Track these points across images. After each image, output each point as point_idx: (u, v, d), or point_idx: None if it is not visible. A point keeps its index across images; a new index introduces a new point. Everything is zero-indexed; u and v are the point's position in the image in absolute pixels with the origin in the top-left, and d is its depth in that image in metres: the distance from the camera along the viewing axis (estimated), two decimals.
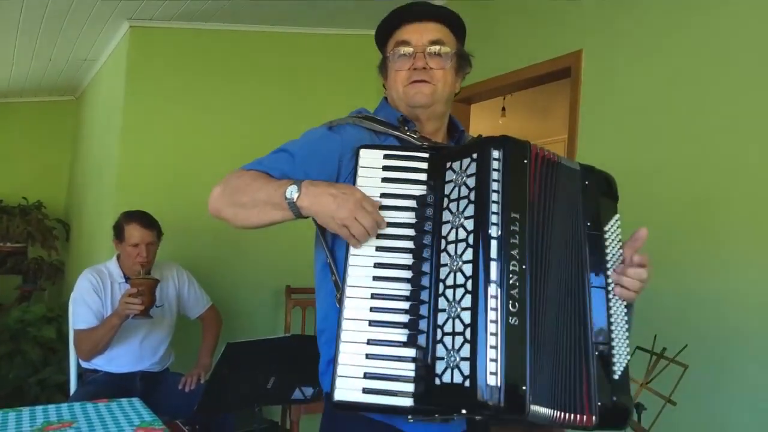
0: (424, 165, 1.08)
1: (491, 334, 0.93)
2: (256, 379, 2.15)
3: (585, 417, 0.99)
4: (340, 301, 1.04)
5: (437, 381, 0.96)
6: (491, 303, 0.94)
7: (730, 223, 2.05)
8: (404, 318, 1.01)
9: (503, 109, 4.95)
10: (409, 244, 1.04)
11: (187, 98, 3.46)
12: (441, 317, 0.98)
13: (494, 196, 0.98)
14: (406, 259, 1.04)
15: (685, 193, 2.19)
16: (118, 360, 2.48)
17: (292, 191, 1.04)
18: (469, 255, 0.97)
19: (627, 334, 1.08)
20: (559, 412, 0.97)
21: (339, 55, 3.81)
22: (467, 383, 0.92)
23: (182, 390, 2.48)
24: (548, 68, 2.78)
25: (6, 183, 4.88)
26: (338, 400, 1.00)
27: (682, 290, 2.16)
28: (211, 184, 3.48)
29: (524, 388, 0.93)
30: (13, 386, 3.18)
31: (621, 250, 1.11)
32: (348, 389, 0.99)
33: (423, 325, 1.00)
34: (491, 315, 0.93)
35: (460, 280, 0.97)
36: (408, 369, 0.99)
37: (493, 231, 0.97)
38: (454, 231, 1.01)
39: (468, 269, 0.97)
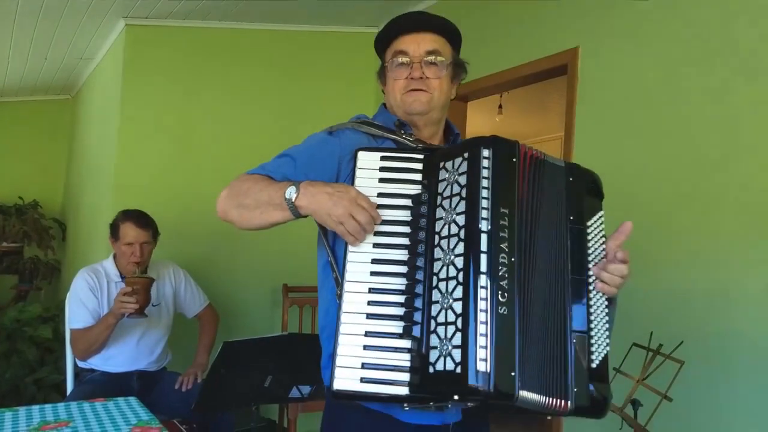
0: (419, 166, 1.13)
1: (481, 322, 0.97)
2: (253, 378, 2.15)
3: (562, 402, 1.04)
4: (340, 297, 1.09)
5: (431, 369, 1.00)
6: (481, 293, 0.99)
7: (725, 219, 2.05)
8: (400, 311, 1.06)
9: (500, 106, 4.95)
10: (405, 241, 1.09)
11: (183, 97, 3.45)
12: (434, 309, 1.03)
13: (484, 193, 1.03)
14: (402, 254, 1.09)
15: (681, 190, 2.19)
16: (114, 359, 2.47)
17: (291, 192, 1.09)
18: (460, 249, 1.02)
19: (607, 326, 1.12)
20: (545, 398, 1.01)
21: (337, 52, 3.80)
22: (459, 370, 0.96)
23: (179, 389, 2.48)
24: (545, 66, 2.78)
25: (2, 182, 4.87)
26: (337, 389, 1.04)
27: (678, 286, 2.17)
28: (208, 183, 3.54)
29: (513, 374, 0.97)
30: (9, 386, 3.17)
31: (604, 246, 1.16)
32: (346, 379, 1.04)
33: (418, 317, 1.05)
34: (481, 305, 0.98)
35: (452, 272, 1.02)
36: (404, 359, 1.04)
37: (483, 225, 1.02)
38: (446, 227, 1.05)
39: (459, 262, 1.02)
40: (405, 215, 1.11)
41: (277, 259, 3.49)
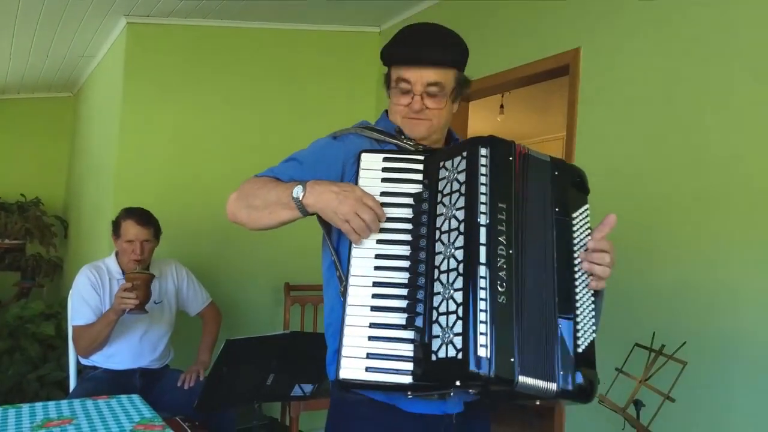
0: (420, 166, 1.18)
1: (481, 311, 1.01)
2: (255, 376, 2.16)
3: (550, 385, 1.06)
4: (344, 293, 1.13)
5: (433, 357, 1.03)
6: (481, 283, 1.03)
7: (728, 220, 2.05)
8: (403, 303, 1.10)
9: (501, 106, 4.95)
10: (407, 237, 1.14)
11: (185, 95, 3.45)
12: (436, 300, 1.07)
13: (482, 189, 1.08)
14: (405, 250, 1.14)
15: (683, 190, 2.19)
16: (117, 357, 2.48)
17: (298, 191, 1.14)
18: (460, 242, 1.07)
19: (593, 313, 1.15)
20: (542, 383, 1.04)
21: (339, 52, 3.80)
22: (460, 356, 0.99)
23: (182, 387, 2.48)
24: (547, 66, 2.78)
25: (4, 180, 4.87)
26: (343, 379, 1.07)
27: (681, 287, 2.17)
28: (210, 180, 3.53)
29: (512, 360, 1.01)
30: (12, 383, 3.17)
31: (589, 237, 1.18)
32: (352, 368, 1.07)
33: (420, 308, 1.08)
34: (481, 294, 1.02)
35: (453, 264, 1.06)
36: (407, 349, 1.07)
37: (482, 219, 1.06)
38: (447, 222, 1.10)
39: (459, 254, 1.06)
40: (407, 213, 1.15)
41: (279, 258, 3.50)
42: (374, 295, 1.11)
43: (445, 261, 1.07)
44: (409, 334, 1.08)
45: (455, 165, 1.12)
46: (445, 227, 1.10)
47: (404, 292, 1.11)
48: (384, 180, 1.17)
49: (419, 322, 1.07)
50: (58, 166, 5.13)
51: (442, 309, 1.05)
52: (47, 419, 1.53)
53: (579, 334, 1.12)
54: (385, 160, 1.18)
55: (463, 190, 1.09)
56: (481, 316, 1.01)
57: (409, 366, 1.06)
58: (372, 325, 1.09)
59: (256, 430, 2.41)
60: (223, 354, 2.03)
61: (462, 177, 1.10)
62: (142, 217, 2.49)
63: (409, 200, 1.16)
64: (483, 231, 1.06)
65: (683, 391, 1.83)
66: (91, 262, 2.58)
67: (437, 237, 1.10)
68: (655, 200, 2.28)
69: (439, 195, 1.13)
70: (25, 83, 4.71)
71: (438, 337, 1.04)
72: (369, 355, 1.08)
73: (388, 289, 1.11)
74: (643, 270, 2.28)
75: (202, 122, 3.48)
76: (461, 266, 1.05)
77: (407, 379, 1.06)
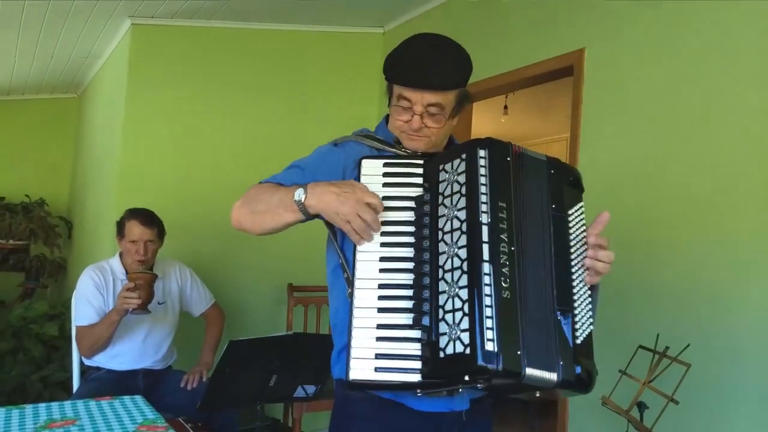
0: (420, 170, 1.21)
1: (487, 306, 1.04)
2: (258, 377, 2.16)
3: (550, 375, 1.07)
4: (352, 295, 1.15)
5: (441, 354, 1.05)
6: (485, 280, 1.05)
7: (733, 222, 2.04)
8: (409, 303, 1.13)
9: (505, 107, 4.94)
10: (410, 239, 1.16)
11: (189, 96, 3.46)
12: (442, 298, 1.09)
13: (482, 188, 1.11)
14: (408, 251, 1.16)
15: (688, 192, 2.19)
16: (120, 357, 2.48)
17: (299, 193, 1.16)
18: (463, 241, 1.09)
19: (590, 306, 1.18)
20: (546, 373, 1.06)
21: (342, 52, 3.81)
22: (468, 351, 1.02)
23: (185, 387, 2.48)
24: (550, 67, 2.78)
25: (8, 180, 4.88)
26: (353, 380, 1.10)
27: (685, 289, 2.16)
28: (214, 182, 3.54)
29: (519, 352, 1.04)
30: (15, 383, 3.18)
31: (584, 233, 1.21)
32: (362, 369, 1.10)
33: (426, 307, 1.11)
34: (486, 290, 1.05)
35: (457, 263, 1.09)
36: (415, 348, 1.10)
37: (484, 218, 1.09)
38: (449, 222, 1.12)
39: (463, 253, 1.09)
40: (409, 216, 1.18)
41: (283, 259, 3.50)
42: (380, 297, 1.13)
43: (449, 260, 1.10)
44: (416, 333, 1.10)
45: (455, 167, 1.15)
46: (447, 228, 1.12)
47: (409, 292, 1.13)
48: (385, 185, 1.19)
49: (426, 321, 1.09)
50: (62, 167, 5.15)
51: (448, 307, 1.07)
52: (50, 420, 1.54)
53: (577, 326, 1.15)
54: (386, 165, 1.21)
55: (463, 191, 1.12)
56: (487, 312, 1.03)
57: (418, 364, 1.08)
58: (379, 326, 1.12)
59: (258, 431, 2.40)
60: (226, 355, 2.03)
61: (462, 178, 1.13)
62: (147, 217, 2.50)
63: (411, 203, 1.18)
64: (485, 229, 1.08)
65: (687, 393, 1.83)
66: (95, 262, 2.59)
67: (440, 237, 1.13)
68: (659, 201, 2.27)
69: (440, 197, 1.15)
70: (29, 84, 4.73)
71: (445, 334, 1.06)
72: (378, 356, 1.10)
73: (394, 291, 1.14)
74: (646, 271, 2.28)
75: (206, 123, 3.49)
76: (465, 264, 1.07)
77: (416, 378, 1.08)
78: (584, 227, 1.22)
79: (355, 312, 1.13)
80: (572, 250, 1.19)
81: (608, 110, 2.51)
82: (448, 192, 1.14)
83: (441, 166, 1.17)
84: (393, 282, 1.14)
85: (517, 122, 5.63)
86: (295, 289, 3.39)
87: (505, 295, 1.05)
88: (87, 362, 2.50)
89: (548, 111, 5.38)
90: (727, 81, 2.10)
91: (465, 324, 1.03)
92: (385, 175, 1.20)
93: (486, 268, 1.06)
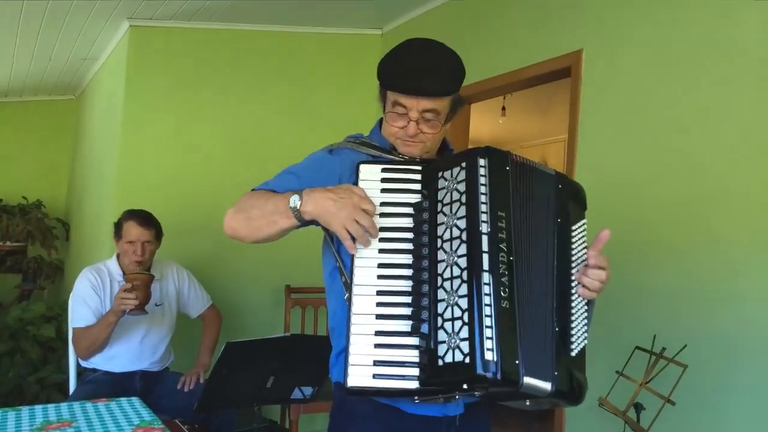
0: (418, 176, 1.21)
1: (486, 316, 1.05)
2: (255, 379, 2.16)
3: (545, 385, 1.09)
4: (350, 300, 1.15)
5: (440, 362, 1.06)
6: (485, 289, 1.06)
7: (730, 223, 2.05)
8: (407, 310, 1.13)
9: (503, 108, 4.95)
10: (409, 246, 1.16)
11: (187, 97, 3.46)
12: (441, 306, 1.10)
13: (482, 198, 1.11)
14: (407, 258, 1.16)
15: (685, 193, 2.19)
16: (117, 359, 2.47)
17: (294, 200, 1.15)
18: (463, 250, 1.10)
19: (585, 321, 1.22)
20: (541, 382, 1.08)
21: (340, 54, 3.81)
22: (467, 360, 1.03)
23: (182, 389, 2.48)
24: (548, 68, 2.78)
25: (6, 182, 4.88)
26: (352, 386, 1.10)
27: (682, 290, 2.16)
28: (211, 184, 3.53)
29: (517, 362, 1.05)
30: (12, 385, 3.18)
31: (585, 250, 1.24)
32: (360, 376, 1.10)
33: (425, 315, 1.11)
34: (485, 300, 1.06)
35: (456, 272, 1.09)
36: (413, 355, 1.10)
37: (483, 228, 1.10)
38: (448, 230, 1.13)
39: (463, 262, 1.09)
40: (408, 222, 1.18)
41: (280, 261, 3.49)
42: (378, 304, 1.13)
43: (448, 269, 1.10)
44: (414, 341, 1.10)
45: (454, 175, 1.15)
46: (446, 236, 1.13)
47: (408, 299, 1.13)
48: (383, 191, 1.19)
49: (425, 328, 1.10)
50: (60, 168, 5.14)
51: (447, 315, 1.08)
52: (47, 422, 1.53)
53: (573, 339, 1.17)
54: (384, 171, 1.21)
55: (463, 199, 1.12)
56: (487, 321, 1.04)
57: (416, 371, 1.09)
58: (378, 333, 1.12)
59: None
60: (224, 356, 2.03)
61: (462, 187, 1.13)
62: (144, 218, 2.50)
63: (409, 210, 1.18)
64: (485, 239, 1.09)
65: (684, 394, 1.83)
66: (92, 264, 2.58)
67: (439, 245, 1.13)
68: (657, 202, 2.28)
69: (439, 204, 1.16)
70: (28, 86, 4.72)
71: (444, 342, 1.06)
72: (376, 362, 1.10)
73: (392, 297, 1.14)
74: (643, 272, 2.28)
75: (204, 125, 3.49)
76: (465, 273, 1.08)
77: (414, 385, 1.09)
78: (585, 244, 1.25)
79: (354, 318, 1.13)
80: (573, 265, 1.21)
81: (606, 111, 2.51)
82: (447, 200, 1.15)
83: (440, 173, 1.17)
84: (391, 289, 1.14)
85: (515, 123, 5.63)
86: (292, 290, 3.39)
87: (504, 305, 1.06)
88: (84, 364, 2.50)
89: (546, 112, 5.39)
90: (724, 82, 2.11)
91: (464, 333, 1.04)
92: (384, 180, 1.20)
93: (486, 278, 1.07)
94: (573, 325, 1.18)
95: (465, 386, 1.04)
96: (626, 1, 2.46)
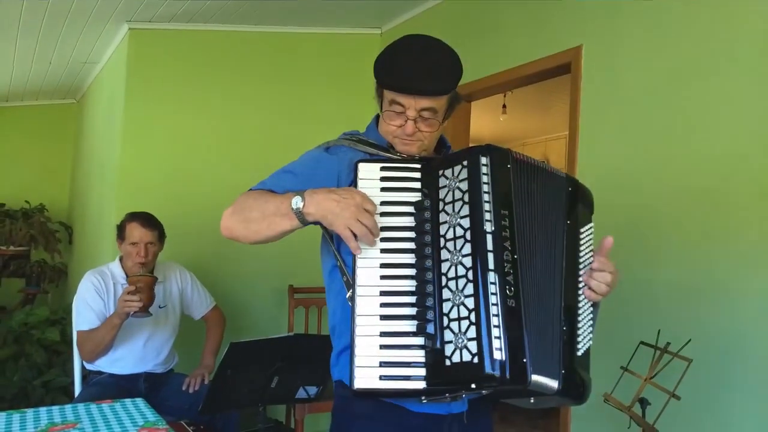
0: (418, 174, 1.20)
1: (493, 315, 1.04)
2: (259, 379, 2.15)
3: (552, 383, 1.10)
4: (352, 300, 1.13)
5: (447, 362, 1.06)
6: (491, 288, 1.06)
7: (733, 217, 2.04)
8: (412, 310, 1.12)
9: (504, 106, 4.95)
10: (411, 245, 1.15)
11: (188, 99, 3.46)
12: (446, 306, 1.09)
13: (486, 197, 1.11)
14: (409, 258, 1.15)
15: (687, 188, 2.18)
16: (122, 361, 2.48)
17: (297, 201, 1.13)
18: (467, 249, 1.09)
19: (591, 322, 1.23)
20: (548, 380, 1.09)
21: (339, 54, 3.81)
22: (476, 360, 1.03)
23: (186, 390, 2.48)
24: (548, 64, 2.78)
25: (8, 186, 4.89)
26: (358, 388, 1.09)
27: (686, 284, 2.16)
28: (213, 185, 3.53)
29: (525, 360, 1.05)
30: (17, 388, 3.18)
31: (591, 253, 1.26)
32: (366, 377, 1.09)
33: (430, 315, 1.10)
34: (492, 299, 1.05)
35: (461, 271, 1.09)
36: (419, 355, 1.09)
37: (488, 227, 1.10)
38: (451, 230, 1.12)
39: (468, 261, 1.08)
40: (408, 221, 1.16)
41: (283, 261, 3.49)
42: (382, 304, 1.12)
43: (453, 268, 1.10)
44: (419, 341, 1.10)
45: (456, 173, 1.14)
46: (449, 235, 1.12)
47: (412, 299, 1.12)
48: (383, 189, 1.17)
49: (430, 328, 1.09)
50: (62, 172, 5.15)
51: (453, 315, 1.07)
52: (51, 424, 1.53)
53: (579, 339, 1.18)
54: (383, 169, 1.19)
55: (466, 198, 1.11)
56: (494, 321, 1.04)
57: (422, 372, 1.08)
58: (383, 334, 1.11)
59: None
60: (228, 357, 2.02)
61: (464, 185, 1.12)
62: (147, 219, 2.50)
63: (410, 208, 1.17)
64: (490, 238, 1.09)
65: (689, 388, 1.82)
66: (95, 267, 2.59)
67: (442, 245, 1.12)
68: (659, 197, 2.27)
69: (441, 203, 1.15)
70: (28, 90, 4.73)
71: (451, 342, 1.06)
72: (382, 364, 1.09)
73: (396, 298, 1.13)
74: (647, 267, 2.27)
75: (204, 127, 3.49)
76: (470, 273, 1.07)
77: (421, 385, 1.08)
78: (592, 246, 1.26)
79: (358, 320, 1.11)
80: (581, 266, 1.22)
81: (606, 107, 2.51)
82: (449, 198, 1.14)
83: (440, 172, 1.16)
84: (395, 289, 1.13)
85: (515, 121, 5.63)
86: (295, 290, 3.39)
87: (510, 304, 1.06)
88: (88, 367, 2.50)
89: (547, 109, 5.39)
90: (725, 77, 2.10)
91: (472, 333, 1.04)
92: (383, 179, 1.18)
93: (491, 277, 1.06)
94: (580, 325, 1.18)
95: (473, 386, 1.05)
96: None
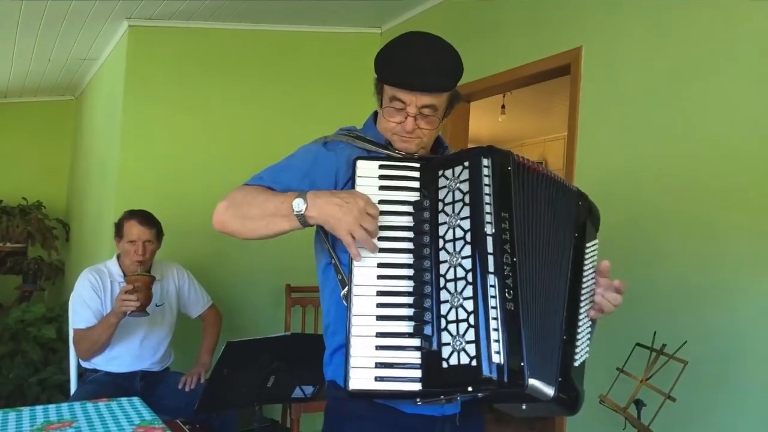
0: (416, 174, 1.18)
1: (492, 318, 1.03)
2: (256, 378, 2.15)
3: (548, 389, 1.09)
4: (348, 299, 1.12)
5: (444, 364, 1.05)
6: (491, 291, 1.05)
7: (730, 219, 2.05)
8: (409, 311, 1.10)
9: (503, 106, 4.95)
10: (409, 245, 1.14)
11: (187, 97, 3.45)
12: (444, 308, 1.08)
13: (486, 199, 1.10)
14: (407, 258, 1.13)
15: (685, 189, 2.19)
16: (118, 359, 2.48)
17: (299, 203, 1.12)
18: (467, 251, 1.08)
19: (589, 336, 1.23)
20: (545, 386, 1.08)
21: (339, 53, 3.80)
22: (474, 363, 1.02)
23: (182, 389, 2.48)
24: (548, 65, 2.78)
25: (6, 183, 4.88)
26: (354, 389, 1.08)
27: (682, 286, 2.16)
28: (211, 183, 3.53)
29: (522, 364, 1.04)
30: (13, 386, 3.18)
31: (594, 267, 1.27)
32: (362, 378, 1.08)
33: (428, 316, 1.09)
34: (491, 302, 1.04)
35: (461, 273, 1.07)
36: (415, 357, 1.08)
37: (488, 229, 1.08)
38: (451, 231, 1.11)
39: (467, 263, 1.07)
40: (407, 221, 1.15)
41: (280, 260, 3.49)
42: (379, 305, 1.11)
43: (452, 270, 1.08)
44: (415, 342, 1.08)
45: (456, 174, 1.13)
46: (449, 236, 1.10)
47: (409, 300, 1.11)
48: (381, 188, 1.16)
49: (428, 330, 1.08)
50: (60, 169, 5.14)
51: (451, 317, 1.06)
52: (47, 422, 1.53)
53: (577, 350, 1.18)
54: (381, 167, 1.17)
55: (467, 200, 1.10)
56: (493, 324, 1.03)
57: (418, 373, 1.07)
58: (379, 335, 1.09)
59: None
60: (224, 356, 2.02)
61: (465, 187, 1.11)
62: (145, 217, 2.50)
63: (408, 208, 1.15)
64: (490, 240, 1.08)
65: (684, 390, 1.82)
66: (92, 265, 2.58)
67: (441, 246, 1.11)
68: (657, 198, 2.27)
69: (440, 204, 1.13)
70: (27, 87, 4.72)
71: (448, 344, 1.05)
72: (378, 365, 1.08)
73: (393, 298, 1.11)
74: (644, 269, 2.28)
75: (203, 125, 3.49)
76: (470, 275, 1.06)
77: (416, 387, 1.07)
78: (595, 261, 1.27)
79: (354, 320, 1.10)
80: (584, 280, 1.23)
81: (606, 108, 2.51)
82: (449, 199, 1.12)
83: (440, 172, 1.15)
84: (392, 289, 1.11)
85: (514, 121, 5.63)
86: (292, 289, 3.39)
87: (509, 307, 1.05)
88: (85, 364, 2.50)
89: (546, 110, 5.39)
90: (725, 77, 2.11)
91: (470, 335, 1.03)
92: (381, 177, 1.16)
93: (491, 280, 1.05)
94: (579, 336, 1.18)
95: (470, 388, 1.04)
96: None
